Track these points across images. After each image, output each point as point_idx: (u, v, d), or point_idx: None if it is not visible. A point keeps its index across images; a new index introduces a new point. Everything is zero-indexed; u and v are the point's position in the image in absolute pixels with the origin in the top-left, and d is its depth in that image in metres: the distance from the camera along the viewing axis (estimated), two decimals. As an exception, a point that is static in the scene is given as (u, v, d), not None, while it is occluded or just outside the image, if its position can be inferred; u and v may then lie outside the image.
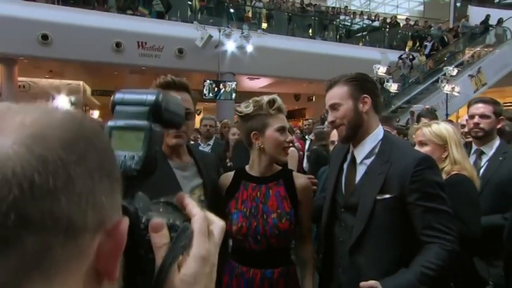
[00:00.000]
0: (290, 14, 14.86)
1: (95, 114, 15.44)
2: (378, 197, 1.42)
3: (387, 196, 1.42)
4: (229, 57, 12.16)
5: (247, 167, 1.69)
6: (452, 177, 1.88)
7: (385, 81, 11.97)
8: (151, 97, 0.49)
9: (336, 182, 1.63)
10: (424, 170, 1.39)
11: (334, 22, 15.77)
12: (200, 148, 4.44)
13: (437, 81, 12.85)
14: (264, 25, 14.13)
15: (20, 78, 12.15)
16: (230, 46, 12.02)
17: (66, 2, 10.90)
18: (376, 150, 1.51)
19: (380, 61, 13.62)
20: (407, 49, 15.98)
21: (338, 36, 15.55)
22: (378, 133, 1.54)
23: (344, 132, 1.54)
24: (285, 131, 1.63)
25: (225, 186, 1.68)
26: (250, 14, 14.04)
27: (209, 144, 4.62)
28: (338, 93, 1.53)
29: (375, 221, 1.42)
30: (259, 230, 1.56)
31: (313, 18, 15.45)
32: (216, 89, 11.91)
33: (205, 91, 11.85)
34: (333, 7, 17.79)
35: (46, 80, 14.06)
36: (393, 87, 11.87)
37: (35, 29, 10.09)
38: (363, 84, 1.55)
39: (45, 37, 10.25)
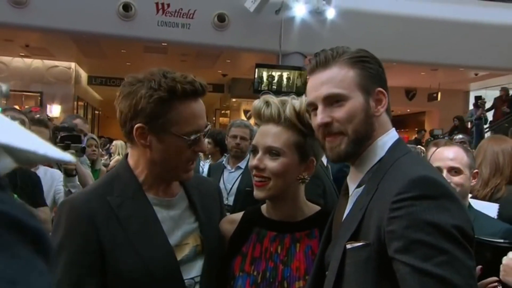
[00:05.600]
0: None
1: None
2: (348, 246, 1.00)
3: (358, 244, 0.98)
4: (298, 28, 9.20)
5: (263, 207, 1.34)
6: None
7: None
8: None
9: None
10: (412, 200, 0.89)
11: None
12: (226, 173, 3.29)
13: None
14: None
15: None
16: (299, 10, 8.95)
17: None
18: (372, 171, 1.08)
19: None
20: None
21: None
22: (381, 145, 1.05)
23: (343, 146, 1.04)
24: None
25: (227, 235, 1.33)
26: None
27: (239, 168, 3.26)
28: (339, 78, 1.04)
29: (346, 283, 0.99)
30: None
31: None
32: (274, 79, 9.01)
33: (256, 84, 9.04)
34: None
35: (21, 59, 11.92)
36: None
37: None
38: (376, 69, 1.06)
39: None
